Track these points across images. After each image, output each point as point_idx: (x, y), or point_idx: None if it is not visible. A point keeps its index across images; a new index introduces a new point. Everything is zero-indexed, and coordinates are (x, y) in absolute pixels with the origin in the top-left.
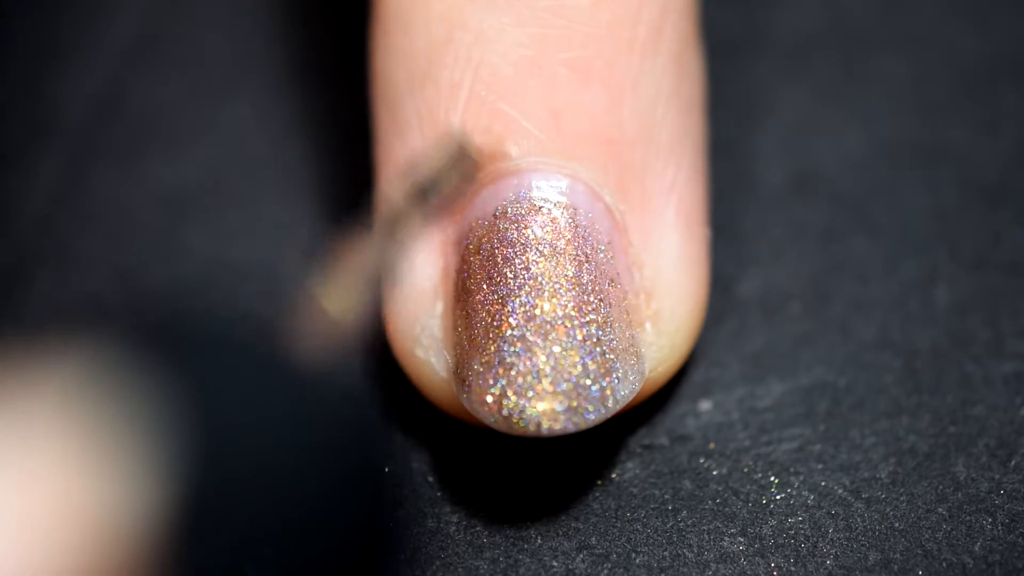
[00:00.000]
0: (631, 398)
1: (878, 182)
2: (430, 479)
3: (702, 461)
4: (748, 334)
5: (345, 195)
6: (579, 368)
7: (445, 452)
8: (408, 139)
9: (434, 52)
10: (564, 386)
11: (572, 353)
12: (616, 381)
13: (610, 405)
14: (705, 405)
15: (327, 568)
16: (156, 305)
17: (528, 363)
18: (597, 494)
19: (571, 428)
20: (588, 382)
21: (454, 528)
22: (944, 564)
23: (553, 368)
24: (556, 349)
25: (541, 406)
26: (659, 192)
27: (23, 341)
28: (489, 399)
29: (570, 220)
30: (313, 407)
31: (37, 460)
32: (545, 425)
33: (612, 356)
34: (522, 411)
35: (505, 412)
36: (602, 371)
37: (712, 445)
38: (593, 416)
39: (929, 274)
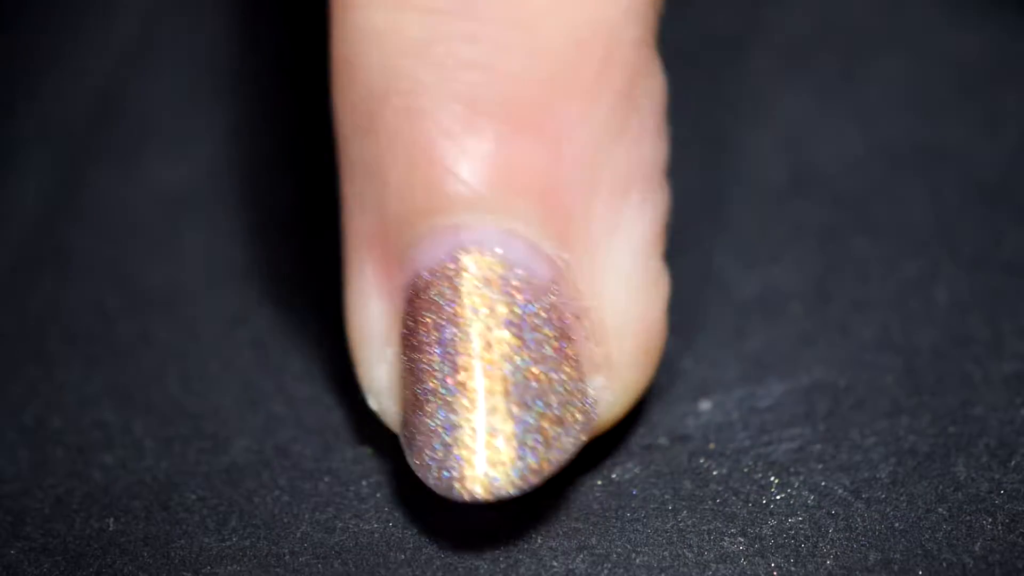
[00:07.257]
0: (567, 459)
1: (878, 182)
2: None
3: (702, 461)
4: (748, 334)
5: None
6: (514, 435)
7: None
8: (356, 184)
9: (373, 104)
10: (499, 454)
11: (507, 421)
12: (550, 446)
13: (544, 469)
14: (705, 405)
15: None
16: (156, 305)
17: (461, 429)
18: (597, 494)
19: (511, 493)
20: (523, 449)
21: (454, 528)
22: (944, 564)
23: (487, 435)
24: (491, 416)
25: (474, 472)
26: (604, 233)
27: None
28: (428, 462)
29: (505, 277)
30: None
31: None
32: (481, 493)
33: (548, 423)
34: (459, 477)
35: (444, 476)
36: (539, 437)
37: (712, 445)
38: (526, 483)
39: (929, 274)
